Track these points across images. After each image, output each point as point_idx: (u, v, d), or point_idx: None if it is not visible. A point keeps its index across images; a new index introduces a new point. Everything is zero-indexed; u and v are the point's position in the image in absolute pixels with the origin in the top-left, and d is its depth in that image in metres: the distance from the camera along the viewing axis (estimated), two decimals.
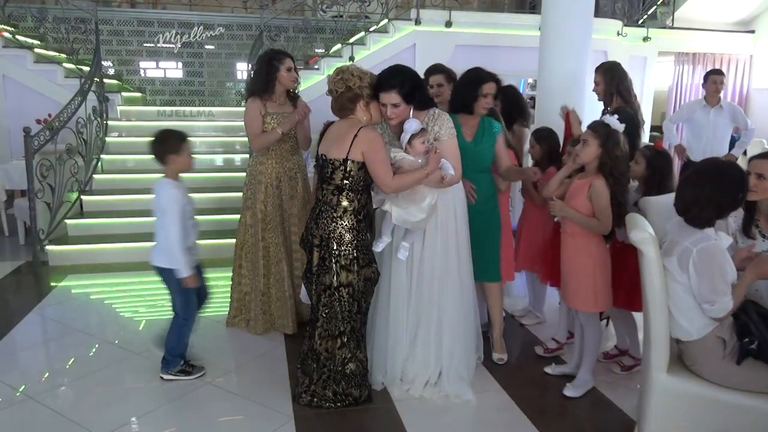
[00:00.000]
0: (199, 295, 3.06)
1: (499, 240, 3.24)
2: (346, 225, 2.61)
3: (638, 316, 3.01)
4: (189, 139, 2.87)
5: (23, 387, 2.95)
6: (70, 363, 3.26)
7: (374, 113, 2.69)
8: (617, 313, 3.21)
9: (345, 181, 2.59)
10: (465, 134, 3.08)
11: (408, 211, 2.69)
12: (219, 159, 6.35)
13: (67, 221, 5.16)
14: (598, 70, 3.84)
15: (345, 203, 2.61)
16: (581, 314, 2.95)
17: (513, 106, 3.80)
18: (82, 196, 5.44)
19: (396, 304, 2.91)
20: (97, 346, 3.46)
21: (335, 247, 2.60)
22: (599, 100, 3.89)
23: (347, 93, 2.59)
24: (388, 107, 2.68)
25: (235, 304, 3.70)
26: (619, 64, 3.85)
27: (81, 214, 5.39)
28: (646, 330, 2.29)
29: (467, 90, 3.05)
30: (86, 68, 6.13)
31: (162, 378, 3.02)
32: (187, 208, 2.86)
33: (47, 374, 3.13)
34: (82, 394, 2.91)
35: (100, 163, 5.83)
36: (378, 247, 2.81)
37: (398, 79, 2.66)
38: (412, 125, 2.70)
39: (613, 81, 3.71)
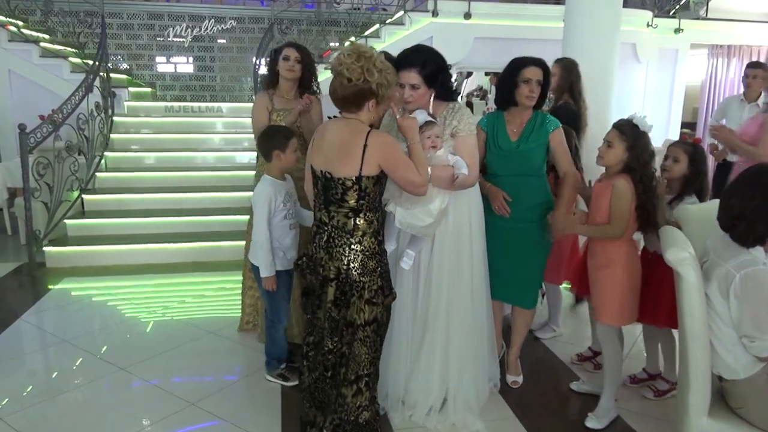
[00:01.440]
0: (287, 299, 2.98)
1: (545, 260, 2.87)
2: (367, 251, 2.17)
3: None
4: (294, 137, 2.86)
5: None
6: (50, 378, 3.07)
7: (379, 115, 2.27)
8: (652, 332, 2.91)
9: (361, 202, 2.15)
10: (510, 133, 2.76)
11: (413, 213, 2.37)
12: (227, 157, 6.14)
13: (67, 221, 4.98)
14: (557, 62, 3.78)
15: (363, 225, 2.17)
16: (599, 329, 2.68)
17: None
18: (84, 195, 5.26)
19: (399, 318, 2.61)
20: (81, 358, 3.24)
21: (358, 279, 2.16)
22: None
23: (362, 85, 2.06)
24: (405, 88, 2.40)
25: (248, 310, 3.52)
26: (577, 64, 3.81)
27: (82, 214, 5.22)
28: (684, 365, 1.97)
29: (505, 77, 2.72)
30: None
31: (266, 378, 3.02)
32: (287, 207, 2.83)
33: (22, 391, 2.91)
34: (55, 414, 2.69)
35: (103, 161, 5.66)
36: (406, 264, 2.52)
37: (421, 57, 2.41)
38: (418, 116, 2.39)
39: (569, 78, 3.73)
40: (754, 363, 1.88)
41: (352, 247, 2.16)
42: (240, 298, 3.58)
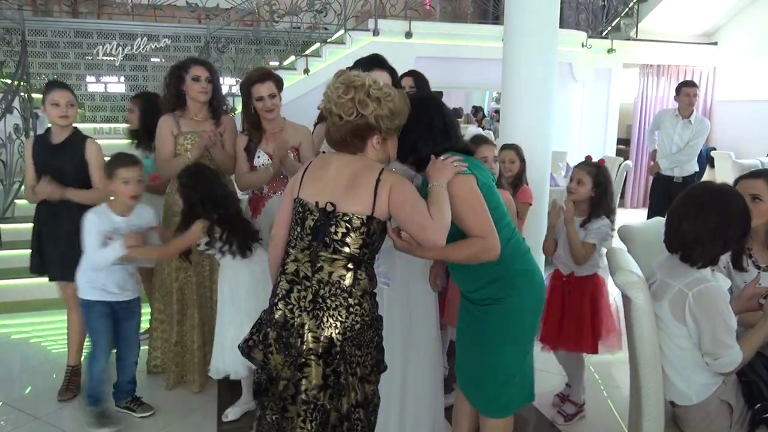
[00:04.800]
0: (117, 340, 2.73)
1: (517, 359, 2.02)
2: (367, 316, 1.73)
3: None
4: (136, 165, 2.62)
5: None
6: None
7: (391, 151, 1.86)
8: (564, 354, 2.89)
9: (365, 251, 1.73)
10: None
11: None
12: None
13: None
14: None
15: (365, 282, 1.74)
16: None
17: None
18: (1, 225, 4.86)
19: None
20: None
21: (354, 353, 1.70)
22: None
23: (356, 120, 1.71)
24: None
25: (157, 353, 3.25)
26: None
27: None
28: (635, 392, 1.91)
29: None
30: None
31: None
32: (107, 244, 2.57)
33: None
34: None
35: (24, 187, 5.25)
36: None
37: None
38: None
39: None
40: (705, 388, 1.84)
41: (351, 309, 1.69)
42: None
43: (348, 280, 1.70)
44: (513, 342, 1.97)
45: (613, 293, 2.49)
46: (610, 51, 7.68)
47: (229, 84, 6.58)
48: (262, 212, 2.96)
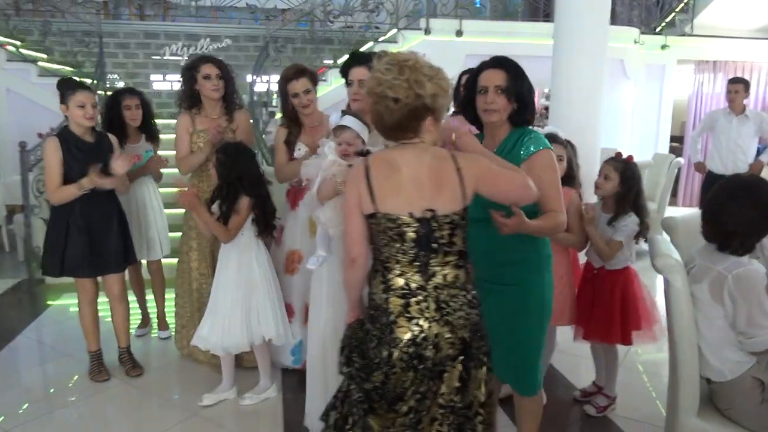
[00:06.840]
0: None
1: (539, 339, 2.10)
2: (480, 305, 1.73)
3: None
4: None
5: None
6: (50, 391, 3.10)
7: (438, 132, 1.77)
8: (596, 349, 2.92)
9: (466, 242, 1.73)
10: None
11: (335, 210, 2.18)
12: None
13: None
14: None
15: (472, 271, 1.74)
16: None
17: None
18: None
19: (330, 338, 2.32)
20: (81, 372, 3.26)
21: (480, 344, 1.69)
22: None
23: (414, 103, 1.60)
24: (354, 84, 2.45)
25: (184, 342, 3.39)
26: None
27: None
28: (673, 368, 2.05)
29: (471, 88, 2.13)
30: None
31: None
32: None
33: (26, 405, 2.94)
34: (57, 428, 2.73)
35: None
36: (313, 264, 2.35)
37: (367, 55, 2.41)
38: (332, 116, 2.30)
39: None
40: (739, 365, 1.95)
41: (471, 303, 1.69)
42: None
43: (462, 277, 1.69)
44: (535, 318, 2.07)
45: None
46: (663, 47, 7.60)
47: None
48: (300, 204, 3.02)
